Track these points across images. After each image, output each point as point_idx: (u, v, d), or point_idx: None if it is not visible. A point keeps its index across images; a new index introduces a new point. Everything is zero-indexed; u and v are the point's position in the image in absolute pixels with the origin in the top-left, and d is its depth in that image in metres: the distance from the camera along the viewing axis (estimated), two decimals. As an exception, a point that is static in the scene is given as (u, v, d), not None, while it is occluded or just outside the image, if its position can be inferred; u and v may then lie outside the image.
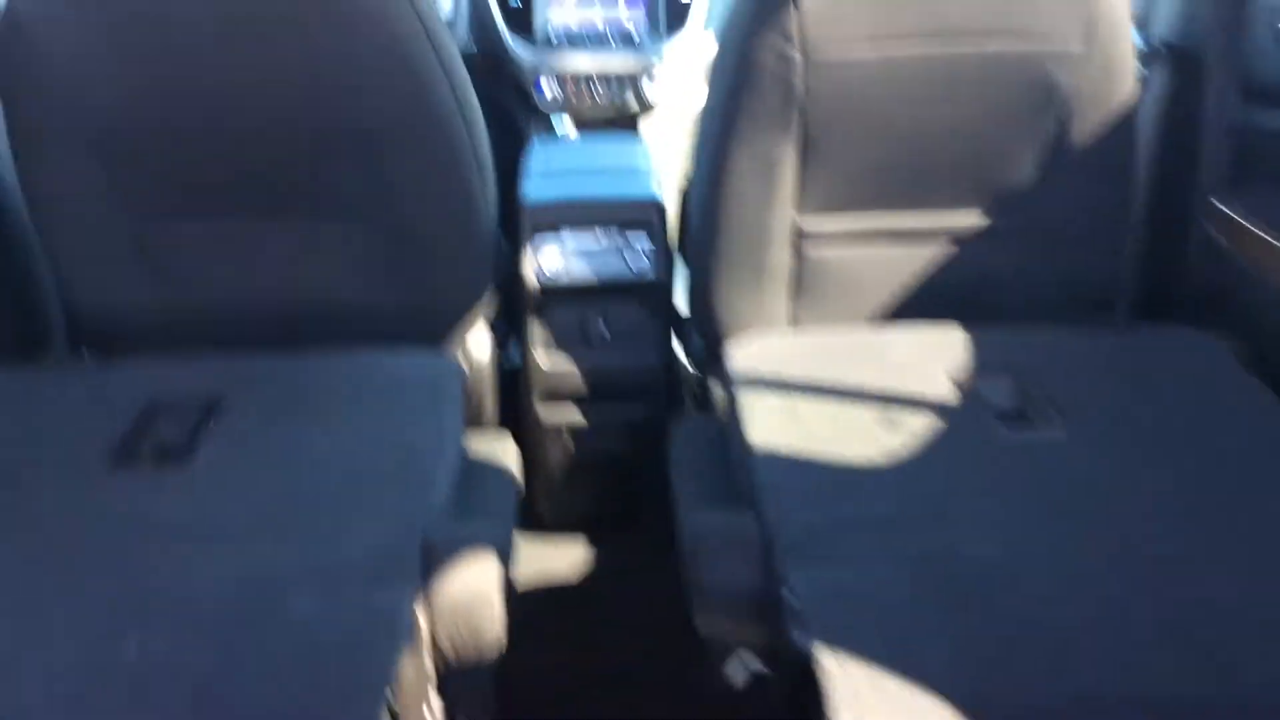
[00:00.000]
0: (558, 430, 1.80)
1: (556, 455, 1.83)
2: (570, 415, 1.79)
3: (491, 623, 1.15)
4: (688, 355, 1.89)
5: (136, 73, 1.40)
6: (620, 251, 1.69)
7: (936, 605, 1.05)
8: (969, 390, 1.37)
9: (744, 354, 1.46)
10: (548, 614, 1.83)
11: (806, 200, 1.52)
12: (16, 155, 1.47)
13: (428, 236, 1.52)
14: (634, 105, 2.12)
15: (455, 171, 1.48)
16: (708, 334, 1.61)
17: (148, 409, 1.37)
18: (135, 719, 0.96)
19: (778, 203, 1.51)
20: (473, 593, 1.15)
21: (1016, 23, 1.43)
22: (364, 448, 1.30)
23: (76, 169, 1.45)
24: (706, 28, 2.11)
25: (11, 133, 1.46)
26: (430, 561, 1.15)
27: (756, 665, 1.23)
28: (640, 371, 1.75)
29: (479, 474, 1.39)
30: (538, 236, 1.69)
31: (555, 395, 1.77)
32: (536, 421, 1.79)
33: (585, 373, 1.75)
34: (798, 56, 1.40)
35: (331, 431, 1.32)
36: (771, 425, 1.31)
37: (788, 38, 1.40)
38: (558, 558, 1.94)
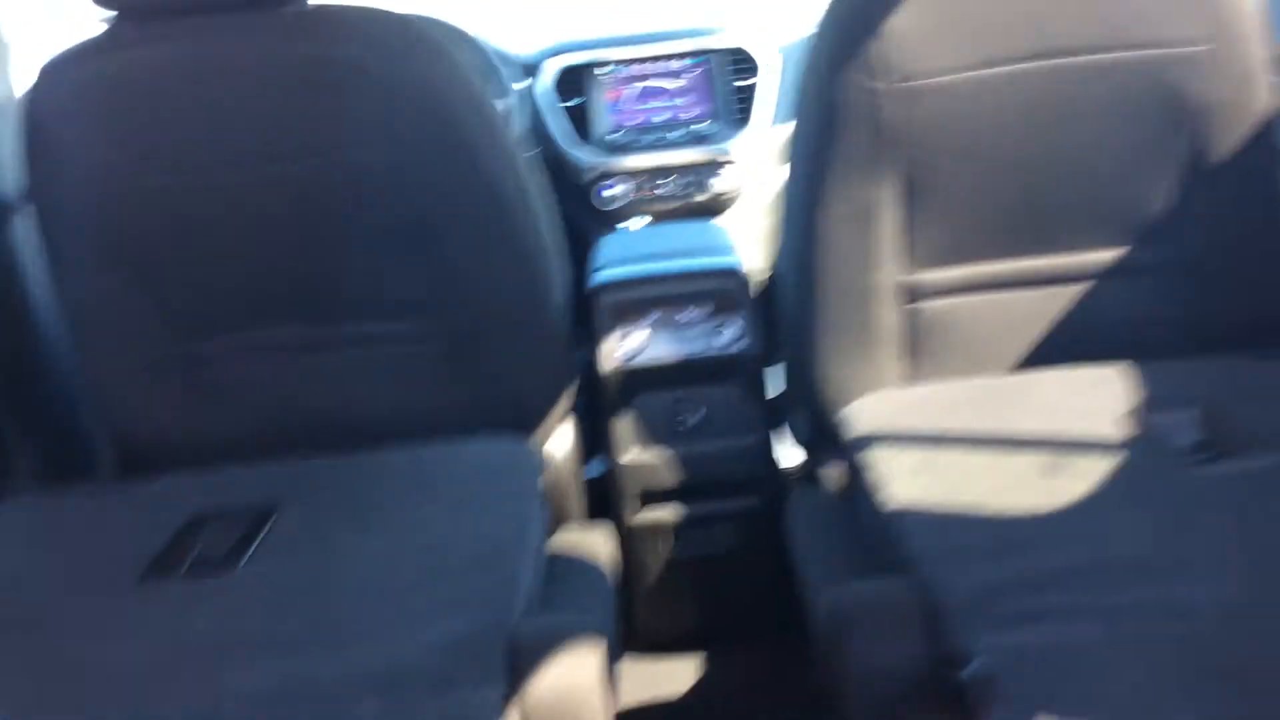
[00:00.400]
0: (652, 532, 1.59)
1: (653, 560, 1.61)
2: (665, 514, 1.58)
3: None
4: (792, 436, 1.69)
5: (167, 174, 1.28)
6: (706, 328, 1.53)
7: (1178, 664, 0.81)
8: (1144, 427, 1.15)
9: (865, 414, 1.26)
10: None
11: (915, 252, 1.34)
12: (52, 266, 1.37)
13: (497, 330, 1.37)
14: (703, 197, 2.00)
15: (522, 257, 1.35)
16: (812, 411, 1.42)
17: (192, 522, 1.20)
18: None
19: (880, 256, 1.33)
20: (570, 689, 0.93)
21: (1135, 27, 1.28)
22: (432, 543, 1.11)
23: (111, 281, 1.33)
24: (777, 122, 2.00)
25: (46, 243, 1.36)
26: (518, 658, 0.94)
27: None
28: (739, 458, 1.55)
29: (569, 568, 1.19)
30: (615, 320, 1.53)
31: (647, 492, 1.57)
32: (627, 524, 1.58)
33: (678, 464, 1.55)
34: (882, 88, 1.26)
35: (395, 528, 1.14)
36: (911, 484, 1.10)
37: (870, 69, 1.26)
38: (662, 679, 1.68)
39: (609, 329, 1.53)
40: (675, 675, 1.69)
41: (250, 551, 1.12)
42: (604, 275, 1.57)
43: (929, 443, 1.16)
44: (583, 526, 1.37)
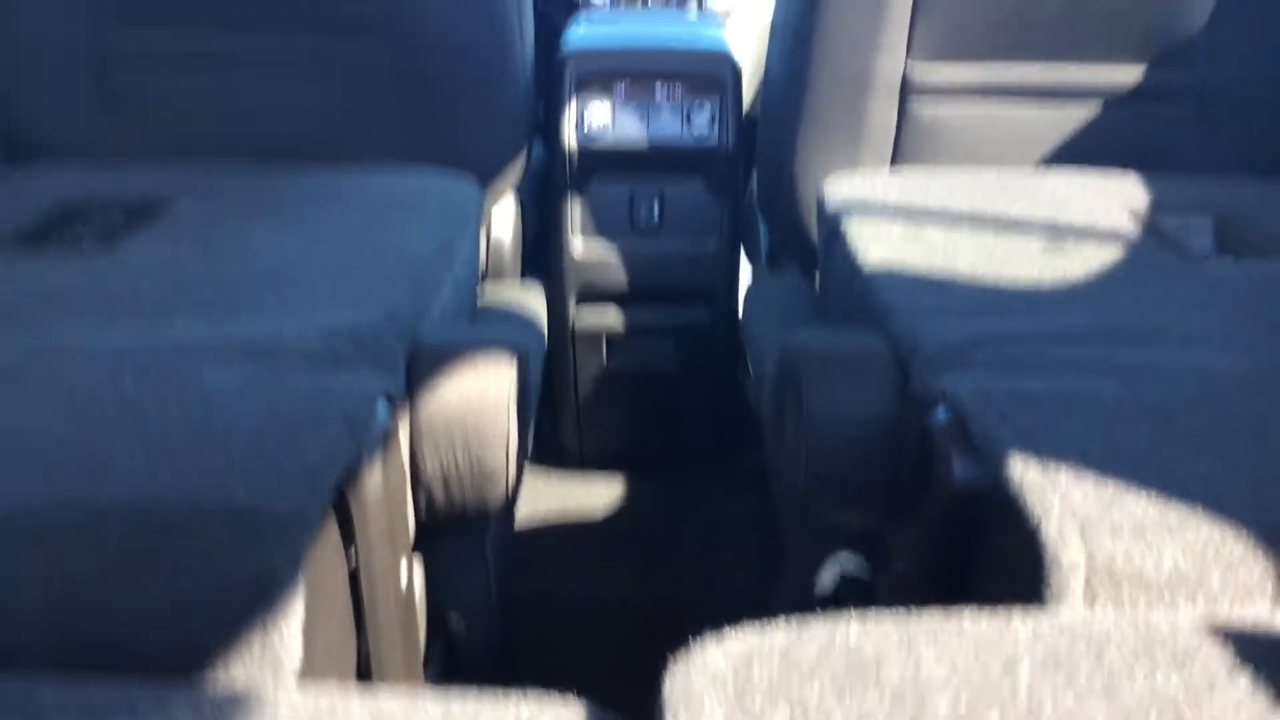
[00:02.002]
0: (593, 337, 1.45)
1: (590, 370, 1.47)
2: (609, 318, 1.44)
3: (498, 446, 0.80)
4: (751, 254, 1.55)
5: None
6: (681, 114, 1.38)
7: (1184, 416, 0.69)
8: (1158, 227, 1.02)
9: (846, 186, 1.12)
10: (576, 551, 1.46)
11: (920, 39, 1.20)
12: None
13: (450, 64, 1.20)
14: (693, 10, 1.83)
15: None
16: (783, 210, 1.28)
17: (70, 205, 1.04)
18: None
19: (883, 38, 1.18)
20: (476, 403, 0.79)
21: None
22: (346, 244, 0.96)
23: None
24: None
25: None
26: (420, 365, 0.80)
27: (854, 565, 0.87)
28: (698, 264, 1.42)
29: (495, 315, 1.05)
30: (582, 90, 1.37)
31: (592, 292, 1.43)
32: (567, 324, 1.44)
33: (630, 263, 1.41)
34: None
35: (305, 227, 0.99)
36: (893, 250, 0.97)
37: None
38: (586, 497, 1.55)
39: (573, 100, 1.37)
40: (598, 495, 1.57)
41: (132, 234, 0.97)
42: (574, 43, 1.41)
43: (918, 216, 1.03)
44: (515, 284, 1.22)
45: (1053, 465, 0.63)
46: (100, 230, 0.98)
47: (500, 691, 0.47)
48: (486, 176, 1.25)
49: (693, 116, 1.38)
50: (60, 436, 0.64)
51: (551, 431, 1.55)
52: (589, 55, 1.39)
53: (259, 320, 0.80)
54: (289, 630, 0.56)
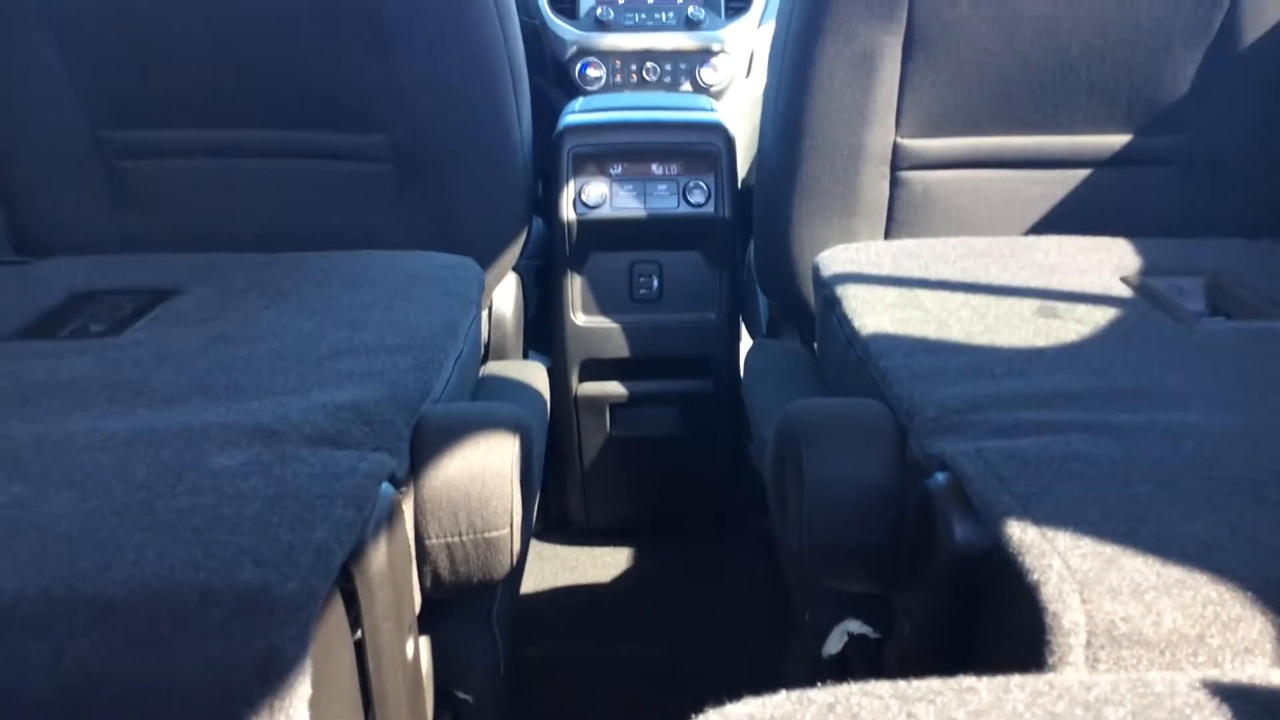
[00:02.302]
0: (596, 407, 1.46)
1: (594, 439, 1.48)
2: (611, 389, 1.46)
3: (502, 519, 0.80)
4: (750, 324, 1.57)
5: None
6: (678, 187, 1.41)
7: (1181, 476, 0.70)
8: (1149, 289, 1.04)
9: (841, 257, 1.14)
10: (583, 618, 1.45)
11: (908, 116, 1.23)
12: None
13: (451, 156, 1.24)
14: (688, 88, 1.88)
15: (488, 83, 1.22)
16: (780, 280, 1.30)
17: (80, 295, 1.06)
18: None
19: (874, 112, 1.21)
20: (480, 477, 0.80)
21: None
22: (352, 323, 0.98)
23: (34, 55, 1.19)
24: (767, 19, 1.89)
25: None
26: (424, 440, 0.82)
27: (860, 628, 0.88)
28: (699, 334, 1.43)
29: (497, 389, 1.06)
30: (580, 166, 1.40)
31: (594, 363, 1.44)
32: (570, 395, 1.45)
33: (631, 334, 1.43)
34: None
35: (313, 309, 1.01)
36: (889, 316, 0.98)
37: None
38: (592, 565, 1.55)
39: (571, 176, 1.40)
40: (604, 565, 1.57)
41: (142, 322, 0.99)
42: (570, 120, 1.45)
43: (912, 284, 1.05)
44: (518, 359, 1.24)
45: (1051, 527, 0.64)
46: (110, 320, 1.00)
47: None
48: (488, 256, 1.27)
49: (689, 189, 1.41)
50: (71, 523, 0.65)
51: (557, 502, 1.56)
52: (585, 131, 1.42)
53: (266, 402, 0.81)
54: (297, 708, 0.56)
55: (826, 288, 1.08)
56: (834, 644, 0.90)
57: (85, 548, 0.63)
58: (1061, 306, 0.98)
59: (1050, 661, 0.58)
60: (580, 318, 1.44)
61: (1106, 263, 1.10)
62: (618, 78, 1.87)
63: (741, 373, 1.39)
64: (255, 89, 1.21)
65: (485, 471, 0.81)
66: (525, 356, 1.46)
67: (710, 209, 1.41)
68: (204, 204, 1.26)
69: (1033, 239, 1.18)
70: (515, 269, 1.39)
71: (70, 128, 1.22)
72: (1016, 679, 0.48)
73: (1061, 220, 1.27)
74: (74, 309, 1.03)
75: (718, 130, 1.42)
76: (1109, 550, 0.62)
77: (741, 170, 1.52)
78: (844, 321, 1.00)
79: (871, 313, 0.98)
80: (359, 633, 0.69)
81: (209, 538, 0.64)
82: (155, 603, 0.58)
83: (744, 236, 1.50)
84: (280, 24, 1.17)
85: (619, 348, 1.43)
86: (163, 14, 1.17)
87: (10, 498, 0.68)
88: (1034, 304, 0.99)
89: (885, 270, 1.08)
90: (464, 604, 0.93)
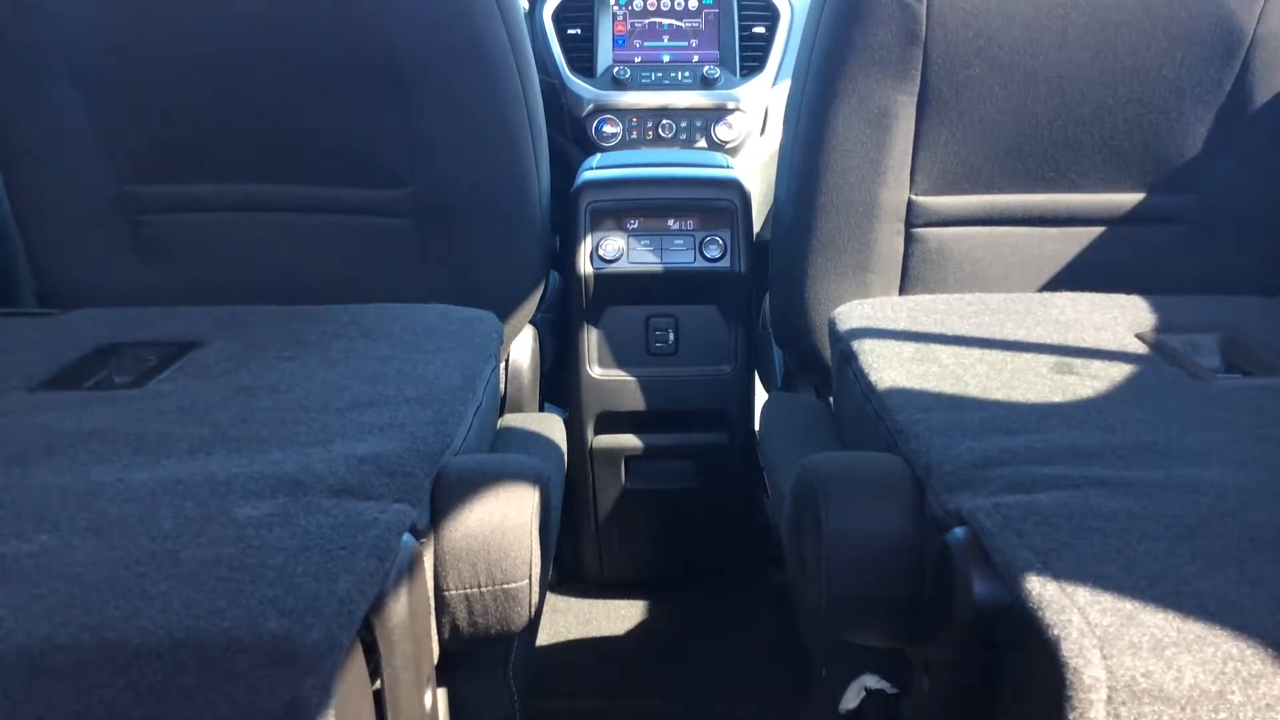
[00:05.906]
0: (612, 460, 1.47)
1: (610, 492, 1.49)
2: (627, 441, 1.46)
3: (521, 570, 0.81)
4: (765, 378, 1.58)
5: (134, 5, 1.18)
6: (694, 241, 1.43)
7: (1200, 531, 0.70)
8: (1165, 345, 1.04)
9: (857, 313, 1.15)
10: (599, 671, 1.44)
11: (924, 174, 1.25)
12: None
13: (472, 211, 1.26)
14: (704, 145, 1.90)
15: (509, 140, 1.24)
16: (796, 336, 1.31)
17: (103, 347, 1.08)
18: (13, 619, 0.62)
19: (888, 171, 1.23)
20: (499, 529, 0.81)
21: None
22: (373, 375, 0.99)
23: (59, 114, 1.22)
24: (781, 78, 1.92)
25: None
26: (444, 493, 0.82)
27: (875, 682, 0.87)
28: (714, 387, 1.44)
29: (515, 440, 1.07)
30: (597, 221, 1.42)
31: (610, 416, 1.45)
32: (586, 448, 1.46)
33: (647, 388, 1.43)
34: None
35: (333, 361, 1.02)
36: (905, 371, 0.99)
37: None
38: (608, 618, 1.55)
39: (589, 231, 1.42)
40: (620, 619, 1.56)
41: (166, 373, 1.00)
42: (588, 175, 1.47)
43: (928, 339, 1.06)
44: (534, 412, 1.25)
45: (1071, 582, 0.64)
46: (135, 371, 1.02)
47: None
48: (506, 310, 1.29)
49: (705, 244, 1.43)
50: (98, 572, 0.66)
51: (572, 554, 1.56)
52: (603, 187, 1.44)
53: (289, 453, 0.82)
54: None
55: (842, 342, 1.09)
56: (851, 699, 0.90)
57: (112, 596, 0.63)
58: (1077, 363, 0.99)
59: (1071, 718, 0.58)
60: (596, 370, 1.45)
61: (1122, 319, 1.10)
62: (634, 134, 1.90)
63: (757, 426, 1.40)
64: (277, 145, 1.24)
65: (505, 523, 0.81)
66: (541, 409, 1.47)
67: (726, 263, 1.43)
68: (226, 257, 1.28)
69: (1047, 295, 1.19)
70: (532, 322, 1.41)
71: (94, 182, 1.25)
72: None
73: (1075, 277, 1.28)
74: (99, 360, 1.05)
75: (734, 186, 1.44)
76: (1129, 606, 0.62)
77: (756, 225, 1.54)
78: (860, 376, 1.00)
79: (888, 367, 0.99)
80: (378, 683, 0.69)
81: (234, 587, 0.64)
82: (182, 651, 0.59)
83: (759, 291, 1.51)
84: (302, 81, 1.20)
85: (635, 400, 1.44)
86: (187, 71, 1.20)
87: (38, 546, 0.69)
88: (1050, 360, 0.99)
89: (901, 325, 1.09)
90: (480, 656, 0.93)
